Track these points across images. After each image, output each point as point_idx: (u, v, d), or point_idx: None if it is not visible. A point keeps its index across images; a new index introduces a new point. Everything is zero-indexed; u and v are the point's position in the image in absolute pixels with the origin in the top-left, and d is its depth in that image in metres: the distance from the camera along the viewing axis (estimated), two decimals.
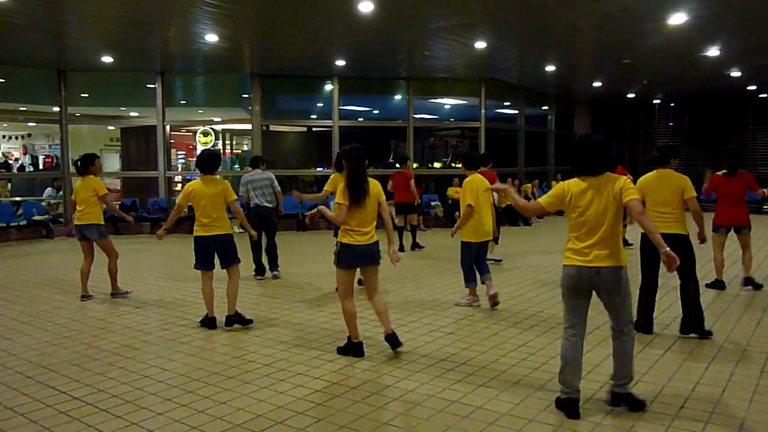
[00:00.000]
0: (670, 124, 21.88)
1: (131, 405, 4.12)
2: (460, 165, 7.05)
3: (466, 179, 6.61)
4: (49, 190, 15.19)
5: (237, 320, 6.00)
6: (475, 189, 6.51)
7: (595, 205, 3.68)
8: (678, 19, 9.91)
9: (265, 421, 3.84)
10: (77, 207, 7.30)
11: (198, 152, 17.72)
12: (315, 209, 5.15)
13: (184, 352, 5.32)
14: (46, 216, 14.27)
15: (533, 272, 8.99)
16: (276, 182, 8.82)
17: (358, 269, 5.10)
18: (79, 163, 7.41)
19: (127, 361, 5.06)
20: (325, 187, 7.34)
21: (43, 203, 14.88)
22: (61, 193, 14.90)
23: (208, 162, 6.04)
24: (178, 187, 17.50)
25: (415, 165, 15.95)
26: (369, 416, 3.91)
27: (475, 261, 6.78)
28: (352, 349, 5.08)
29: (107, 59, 13.01)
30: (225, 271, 6.08)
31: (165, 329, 6.06)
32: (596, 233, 3.68)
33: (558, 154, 20.70)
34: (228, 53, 12.74)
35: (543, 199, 3.89)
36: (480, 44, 11.94)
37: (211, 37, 11.08)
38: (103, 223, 7.39)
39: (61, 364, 5.01)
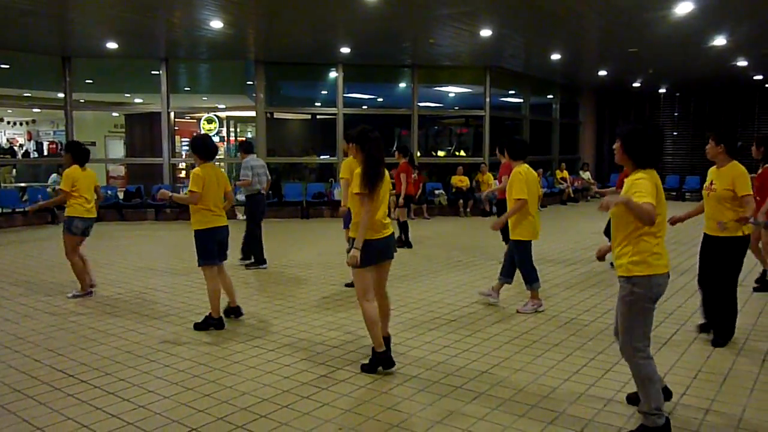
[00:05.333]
0: (676, 113, 21.77)
1: None
2: (504, 153, 6.41)
3: (515, 170, 5.99)
4: (54, 176, 15.20)
5: (237, 310, 5.91)
6: (525, 181, 5.90)
7: (664, 201, 3.36)
8: (685, 8, 9.84)
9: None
10: (85, 198, 6.75)
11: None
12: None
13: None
14: None
15: None
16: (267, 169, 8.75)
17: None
18: (78, 150, 6.83)
19: None
20: (344, 175, 6.42)
21: (48, 189, 14.91)
22: None
23: (212, 149, 5.76)
24: (182, 174, 17.56)
25: (417, 153, 15.90)
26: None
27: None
28: (380, 362, 4.38)
29: (112, 45, 13.00)
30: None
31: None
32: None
33: (562, 143, 20.64)
34: (232, 40, 12.70)
35: (651, 199, 3.17)
36: (485, 32, 11.88)
37: (216, 24, 11.05)
38: None
39: None
